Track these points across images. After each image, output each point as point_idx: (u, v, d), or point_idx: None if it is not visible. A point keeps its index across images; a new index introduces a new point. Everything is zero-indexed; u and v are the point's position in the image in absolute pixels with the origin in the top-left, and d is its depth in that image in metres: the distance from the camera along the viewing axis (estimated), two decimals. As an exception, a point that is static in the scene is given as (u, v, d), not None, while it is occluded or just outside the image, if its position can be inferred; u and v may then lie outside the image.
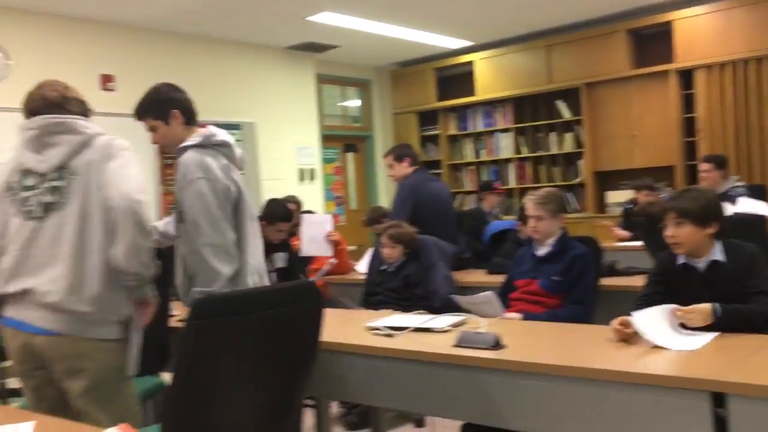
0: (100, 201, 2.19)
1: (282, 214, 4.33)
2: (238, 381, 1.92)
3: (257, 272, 2.71)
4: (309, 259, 4.83)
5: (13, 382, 2.64)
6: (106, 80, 6.24)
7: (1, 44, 5.60)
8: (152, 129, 2.78)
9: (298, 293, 2.06)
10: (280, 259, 4.36)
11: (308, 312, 2.06)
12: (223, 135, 2.75)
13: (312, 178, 8.06)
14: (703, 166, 5.54)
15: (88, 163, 2.21)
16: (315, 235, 4.75)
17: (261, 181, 7.48)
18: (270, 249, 4.32)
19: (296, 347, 2.07)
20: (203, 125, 2.83)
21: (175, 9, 6.06)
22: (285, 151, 7.77)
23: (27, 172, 2.18)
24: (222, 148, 2.72)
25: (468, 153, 8.87)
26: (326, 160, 8.57)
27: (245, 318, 1.87)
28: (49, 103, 2.25)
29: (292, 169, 7.86)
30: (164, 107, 2.75)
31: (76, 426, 1.77)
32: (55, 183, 2.18)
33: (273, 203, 4.42)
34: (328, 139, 8.57)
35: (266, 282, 2.80)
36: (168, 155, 6.73)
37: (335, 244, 4.81)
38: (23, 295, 2.16)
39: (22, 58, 5.71)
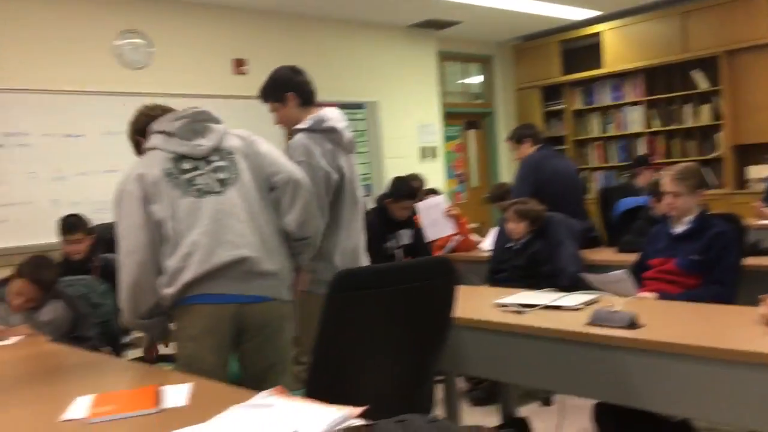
0: (262, 177, 2.38)
1: (407, 192, 4.38)
2: (374, 352, 1.99)
3: (351, 252, 2.83)
4: (434, 239, 4.87)
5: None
6: (239, 64, 6.53)
7: (144, 32, 5.98)
8: (273, 110, 2.94)
9: (433, 268, 2.10)
10: (406, 236, 4.43)
11: (442, 287, 2.09)
12: (332, 120, 2.85)
13: (433, 156, 8.09)
14: None
15: (237, 147, 2.39)
16: (434, 217, 4.79)
17: (384, 160, 7.59)
18: (395, 226, 4.41)
19: (430, 321, 2.11)
20: (320, 106, 2.92)
21: (302, -8, 6.23)
22: (407, 129, 7.84)
23: (181, 158, 2.29)
24: (329, 133, 2.84)
25: (594, 128, 8.58)
26: (448, 138, 8.56)
27: (381, 291, 1.93)
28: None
29: (414, 148, 7.91)
30: (281, 90, 2.89)
31: (230, 389, 1.90)
32: (218, 163, 2.32)
33: (398, 181, 4.48)
34: (449, 116, 8.54)
35: (363, 262, 2.92)
36: (295, 135, 6.97)
37: (456, 219, 4.83)
38: (231, 266, 2.22)
39: (163, 45, 6.08)
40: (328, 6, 6.75)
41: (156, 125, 2.35)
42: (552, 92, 8.85)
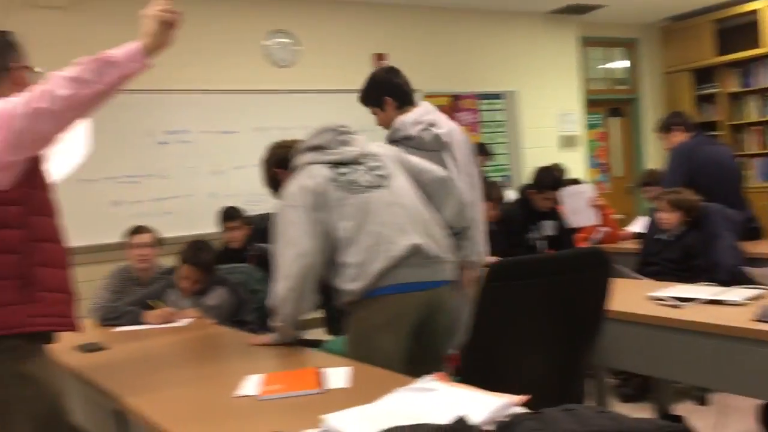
0: (411, 176, 2.51)
1: (550, 182, 4.31)
2: (527, 343, 2.00)
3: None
4: (576, 228, 4.76)
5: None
6: (380, 59, 6.66)
7: (291, 32, 6.25)
8: (373, 113, 3.02)
9: (588, 260, 2.08)
10: (549, 227, 4.36)
11: (597, 279, 2.07)
12: (405, 127, 2.87)
13: (575, 145, 7.87)
14: None
15: (381, 152, 2.52)
16: (578, 205, 4.66)
17: (523, 150, 7.49)
18: (538, 217, 4.35)
19: (583, 314, 2.09)
20: (415, 105, 2.98)
21: (441, -16, 6.25)
22: (546, 118, 7.68)
23: (337, 164, 2.41)
24: (407, 141, 2.86)
25: (752, 112, 7.99)
26: (589, 126, 8.29)
27: (536, 282, 1.94)
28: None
29: (554, 137, 7.74)
30: (378, 95, 2.95)
31: (388, 373, 1.98)
32: (372, 163, 2.44)
33: (541, 171, 4.41)
34: (591, 104, 8.27)
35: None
36: (434, 127, 7.02)
37: (601, 210, 4.68)
38: (413, 254, 2.30)
39: (308, 43, 6.32)
40: (467, -4, 6.73)
41: (303, 144, 2.49)
42: (704, 75, 8.33)
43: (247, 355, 2.44)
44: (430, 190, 2.53)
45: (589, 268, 2.04)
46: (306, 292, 2.29)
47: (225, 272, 3.54)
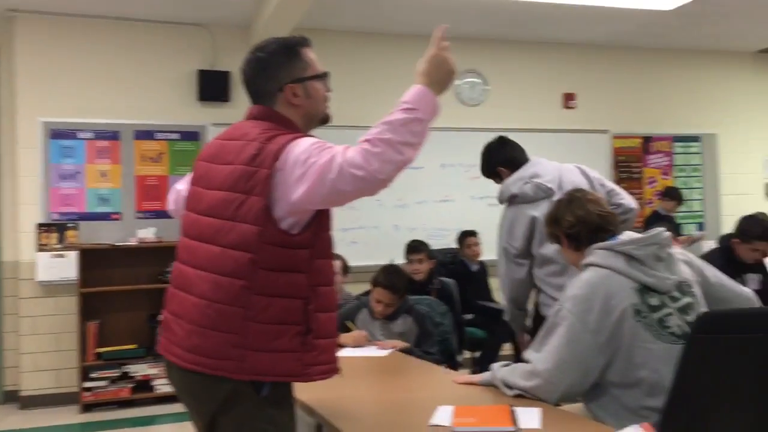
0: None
1: (759, 232, 3.98)
2: (739, 401, 1.85)
3: None
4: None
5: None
6: (568, 98, 6.58)
7: (480, 71, 6.35)
8: (497, 182, 3.33)
9: None
10: (754, 281, 4.02)
11: None
12: (511, 187, 3.15)
13: (781, 193, 7.23)
14: None
15: (690, 279, 2.22)
16: None
17: (720, 196, 7.00)
18: (743, 269, 4.03)
19: None
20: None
21: (634, 25, 6.07)
22: (749, 163, 7.13)
23: (647, 288, 2.06)
24: (513, 199, 3.16)
25: None
26: (799, 174, 7.58)
27: (750, 337, 1.81)
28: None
29: (758, 184, 7.16)
30: (493, 168, 3.31)
31: (579, 418, 1.93)
32: (687, 299, 2.10)
33: (748, 219, 4.09)
34: (802, 149, 7.57)
35: None
36: (623, 170, 6.78)
37: None
38: None
39: (497, 83, 6.40)
40: (667, 36, 6.48)
41: (608, 234, 2.20)
42: None
43: (436, 385, 2.49)
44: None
45: None
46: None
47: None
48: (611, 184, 3.29)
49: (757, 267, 4.12)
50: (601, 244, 2.12)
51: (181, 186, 2.03)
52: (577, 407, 2.18)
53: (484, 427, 1.81)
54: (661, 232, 2.11)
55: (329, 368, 1.77)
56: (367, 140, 1.58)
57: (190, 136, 5.65)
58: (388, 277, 3.36)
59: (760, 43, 6.83)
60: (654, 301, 2.01)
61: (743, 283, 4.04)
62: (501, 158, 3.30)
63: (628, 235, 2.14)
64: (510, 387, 2.16)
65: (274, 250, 1.66)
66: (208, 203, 1.75)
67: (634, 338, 1.97)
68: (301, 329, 1.69)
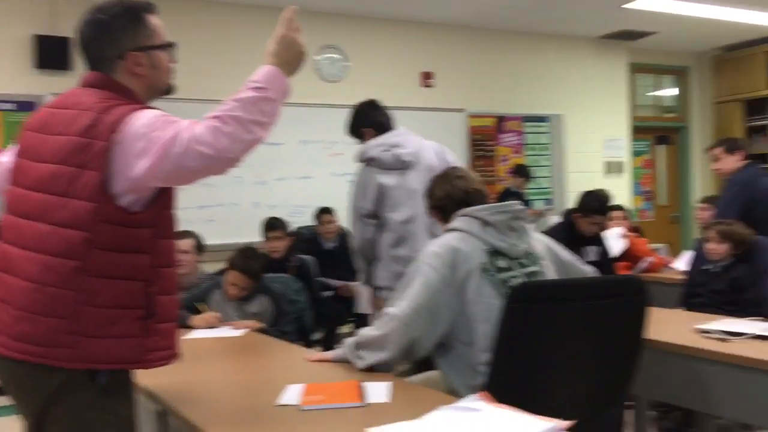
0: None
1: (597, 206, 4.26)
2: (558, 367, 1.99)
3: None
4: (619, 257, 4.69)
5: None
6: (426, 77, 6.70)
7: (341, 48, 6.32)
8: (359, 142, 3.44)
9: (623, 286, 2.07)
10: (593, 253, 4.30)
11: (633, 306, 2.05)
12: (369, 151, 3.28)
13: (619, 171, 7.78)
14: None
15: (540, 253, 2.38)
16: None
17: (567, 174, 7.43)
18: (583, 242, 4.30)
19: (619, 341, 2.07)
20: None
21: (489, 6, 6.27)
22: (592, 143, 7.60)
23: (497, 252, 2.19)
24: (370, 161, 3.27)
25: (805, 146, 7.81)
26: (635, 153, 8.19)
27: (567, 305, 1.94)
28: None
29: (599, 162, 7.66)
30: (358, 128, 3.42)
31: (428, 391, 1.97)
32: (533, 267, 2.24)
33: (587, 195, 4.36)
34: (638, 130, 8.17)
35: None
36: (478, 148, 7.02)
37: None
38: None
39: (357, 60, 6.39)
40: (518, 20, 6.74)
41: (466, 202, 2.33)
42: (756, 106, 8.16)
43: (288, 364, 2.46)
44: None
45: (625, 295, 2.03)
46: None
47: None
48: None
49: (596, 239, 4.42)
50: (462, 210, 2.28)
51: (5, 158, 1.84)
52: (436, 374, 2.27)
53: (332, 404, 1.80)
54: (514, 203, 2.30)
55: (170, 354, 1.69)
56: (216, 116, 1.51)
57: (27, 106, 5.21)
58: (244, 260, 3.29)
59: (602, 29, 7.27)
60: (502, 263, 2.17)
61: (584, 254, 4.33)
62: (368, 120, 3.40)
63: (486, 204, 2.31)
64: (361, 357, 2.20)
65: (112, 228, 1.56)
66: (36, 177, 1.61)
67: (479, 294, 2.11)
68: (141, 313, 1.60)
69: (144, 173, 1.52)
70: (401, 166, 3.26)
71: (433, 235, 3.16)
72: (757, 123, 8.19)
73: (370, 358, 2.18)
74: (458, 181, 2.38)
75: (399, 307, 2.15)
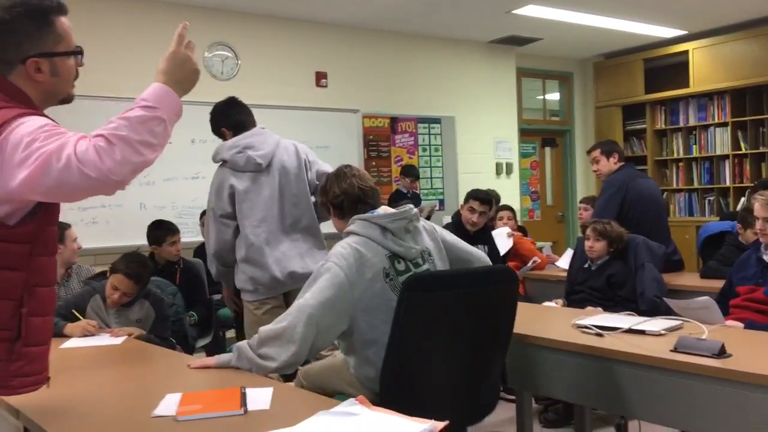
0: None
1: (473, 194, 4.54)
2: (441, 348, 2.17)
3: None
4: (506, 257, 4.84)
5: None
6: (321, 77, 6.66)
7: (231, 45, 6.18)
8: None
9: (495, 275, 2.31)
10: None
11: (504, 292, 2.27)
12: (222, 152, 3.30)
13: (509, 172, 8.03)
14: None
15: (433, 252, 2.50)
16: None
17: (459, 175, 7.59)
18: (470, 240, 4.39)
19: (493, 323, 2.27)
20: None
21: (382, 8, 6.31)
22: (483, 144, 7.81)
23: (397, 256, 2.31)
24: (223, 163, 3.30)
25: (677, 149, 8.34)
26: (523, 155, 8.49)
27: (449, 293, 2.14)
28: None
29: (490, 163, 7.88)
30: (217, 128, 3.44)
31: (311, 395, 1.95)
32: (427, 266, 2.39)
33: (473, 190, 4.58)
34: (525, 133, 8.48)
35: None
36: (372, 148, 7.06)
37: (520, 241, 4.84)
38: None
39: (249, 58, 6.27)
40: (410, 22, 6.83)
41: (366, 208, 2.45)
42: (633, 111, 8.65)
43: (169, 372, 2.37)
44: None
45: (497, 282, 2.25)
46: None
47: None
48: (324, 167, 3.42)
49: (485, 238, 4.54)
50: (361, 215, 2.35)
51: None
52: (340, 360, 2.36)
53: (210, 413, 1.74)
54: (410, 209, 2.39)
55: (36, 380, 1.60)
56: (101, 135, 1.39)
57: None
58: (131, 265, 3.13)
59: (491, 35, 7.48)
60: (401, 266, 2.30)
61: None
62: (225, 120, 3.40)
63: (383, 209, 2.39)
64: (268, 357, 2.15)
65: None
66: None
67: (383, 297, 2.22)
68: (9, 335, 1.50)
69: (20, 185, 1.40)
70: (254, 168, 3.26)
71: (291, 237, 3.24)
72: (634, 127, 8.68)
73: (280, 355, 2.14)
74: (354, 179, 2.44)
75: (304, 299, 2.18)
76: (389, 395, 2.11)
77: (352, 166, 2.56)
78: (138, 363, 2.59)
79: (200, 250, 5.00)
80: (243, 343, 2.24)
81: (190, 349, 3.69)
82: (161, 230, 4.40)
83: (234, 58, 6.20)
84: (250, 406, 1.79)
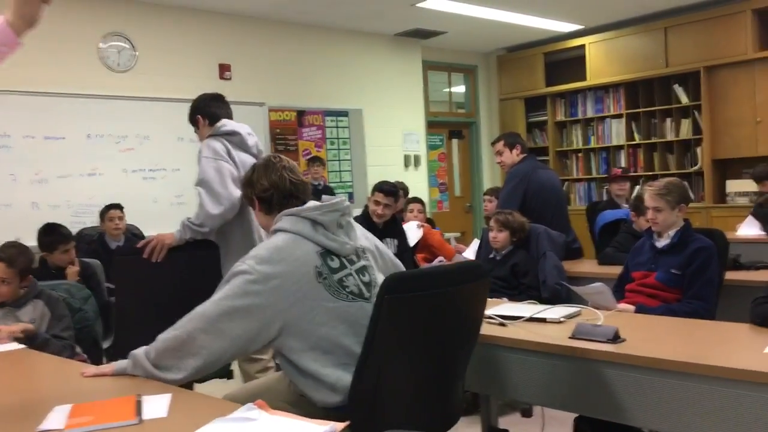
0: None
1: (378, 186, 4.56)
2: (420, 351, 2.04)
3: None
4: (415, 248, 4.88)
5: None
6: (224, 69, 6.50)
7: (128, 36, 5.93)
8: (195, 131, 3.54)
9: (470, 272, 2.15)
10: (392, 245, 4.43)
11: (477, 289, 2.15)
12: (233, 125, 3.34)
13: (417, 164, 8.10)
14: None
15: (369, 248, 2.36)
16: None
17: (367, 167, 7.59)
18: (379, 233, 4.40)
19: (468, 321, 2.17)
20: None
21: (288, -1, 6.22)
22: (391, 137, 7.85)
23: (329, 252, 2.11)
24: (230, 135, 3.31)
25: (576, 140, 8.65)
26: (431, 147, 8.59)
27: (424, 294, 1.98)
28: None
29: (398, 156, 7.93)
30: (194, 112, 3.49)
31: (210, 399, 1.88)
32: (363, 262, 2.20)
33: (380, 182, 4.59)
34: (433, 125, 8.58)
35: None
36: (280, 142, 6.96)
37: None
38: None
39: (147, 49, 6.03)
40: (315, 13, 6.76)
41: (295, 201, 2.23)
42: (535, 103, 8.92)
43: (60, 382, 2.23)
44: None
45: (474, 281, 2.12)
46: None
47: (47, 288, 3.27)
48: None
49: (395, 231, 4.56)
50: (288, 210, 2.13)
51: None
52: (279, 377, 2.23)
53: (101, 425, 1.64)
54: (342, 200, 2.19)
55: None
56: None
57: None
58: (5, 250, 3.02)
59: (397, 27, 7.51)
60: (334, 263, 2.08)
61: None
62: (204, 109, 3.44)
63: (313, 202, 2.17)
64: (170, 368, 2.00)
65: None
66: None
67: (316, 299, 2.01)
68: None
69: None
70: (255, 153, 3.36)
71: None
72: (536, 119, 8.94)
73: (179, 370, 1.99)
74: (285, 171, 2.22)
75: (208, 304, 1.99)
76: (359, 408, 1.93)
77: (282, 156, 2.36)
78: (26, 372, 2.43)
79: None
80: (140, 352, 2.09)
81: (100, 355, 3.52)
82: (53, 236, 4.16)
83: (131, 49, 5.95)
84: (146, 415, 1.71)
